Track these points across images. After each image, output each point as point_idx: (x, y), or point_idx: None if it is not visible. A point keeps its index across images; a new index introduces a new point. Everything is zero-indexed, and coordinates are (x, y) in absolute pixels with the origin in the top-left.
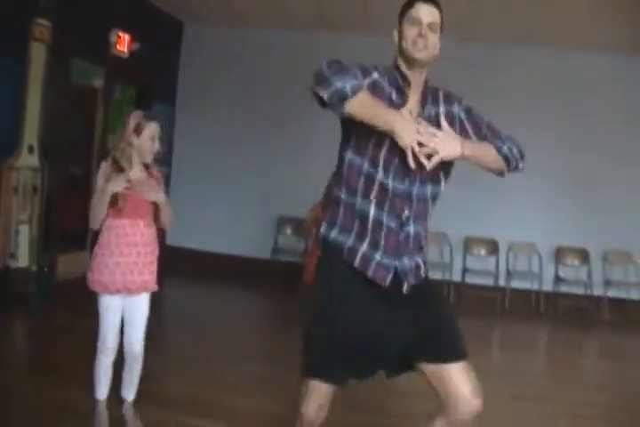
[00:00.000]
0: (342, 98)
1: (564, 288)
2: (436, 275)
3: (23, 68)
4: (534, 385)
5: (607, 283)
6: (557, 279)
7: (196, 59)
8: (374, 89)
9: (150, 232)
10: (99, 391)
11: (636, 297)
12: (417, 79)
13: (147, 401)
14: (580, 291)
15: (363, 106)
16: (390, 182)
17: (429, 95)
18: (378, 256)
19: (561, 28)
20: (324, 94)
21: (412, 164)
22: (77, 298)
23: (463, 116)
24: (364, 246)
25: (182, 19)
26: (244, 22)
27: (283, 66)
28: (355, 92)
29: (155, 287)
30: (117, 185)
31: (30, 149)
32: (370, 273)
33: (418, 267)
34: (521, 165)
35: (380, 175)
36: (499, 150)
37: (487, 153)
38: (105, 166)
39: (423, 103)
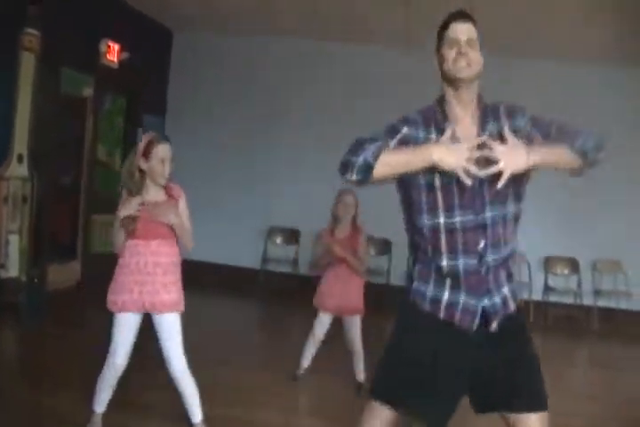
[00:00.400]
0: (368, 168)
1: (553, 298)
2: None
3: (13, 78)
4: None
5: (597, 292)
6: (547, 289)
7: (185, 68)
8: (404, 144)
9: (166, 252)
10: (97, 404)
11: (626, 307)
12: (465, 100)
13: (127, 410)
14: (569, 300)
15: (389, 163)
16: (458, 219)
17: (489, 113)
18: (462, 299)
19: (550, 38)
20: (352, 176)
21: (467, 181)
22: (67, 308)
23: (529, 127)
24: (446, 294)
25: (172, 28)
26: (233, 31)
27: (273, 74)
28: (377, 157)
29: (174, 308)
30: (128, 209)
31: (20, 159)
32: (457, 321)
33: (505, 301)
34: (600, 155)
35: (442, 219)
36: (572, 147)
37: (558, 154)
38: (124, 192)
39: (482, 122)
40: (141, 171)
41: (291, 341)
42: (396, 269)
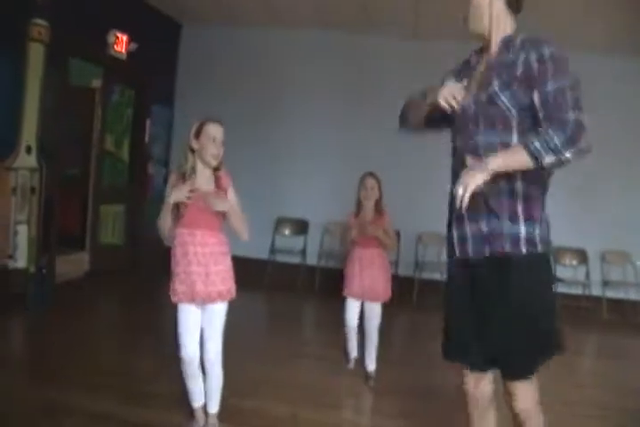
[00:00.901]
0: (401, 115)
1: (562, 289)
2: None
3: (21, 69)
4: None
5: (605, 283)
6: (555, 280)
7: (194, 59)
8: None
9: (213, 242)
10: (191, 400)
11: (635, 297)
12: (483, 49)
13: (149, 403)
14: (578, 291)
15: (409, 107)
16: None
17: (503, 47)
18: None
19: (552, 28)
20: (401, 126)
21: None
22: (75, 299)
23: (535, 64)
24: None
25: (180, 19)
26: (242, 22)
27: (282, 65)
28: (403, 106)
29: (223, 297)
30: (178, 195)
31: (28, 150)
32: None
33: (480, 233)
34: (562, 156)
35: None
36: (527, 148)
37: (517, 159)
38: (172, 176)
39: (497, 55)
40: (192, 151)
41: (299, 331)
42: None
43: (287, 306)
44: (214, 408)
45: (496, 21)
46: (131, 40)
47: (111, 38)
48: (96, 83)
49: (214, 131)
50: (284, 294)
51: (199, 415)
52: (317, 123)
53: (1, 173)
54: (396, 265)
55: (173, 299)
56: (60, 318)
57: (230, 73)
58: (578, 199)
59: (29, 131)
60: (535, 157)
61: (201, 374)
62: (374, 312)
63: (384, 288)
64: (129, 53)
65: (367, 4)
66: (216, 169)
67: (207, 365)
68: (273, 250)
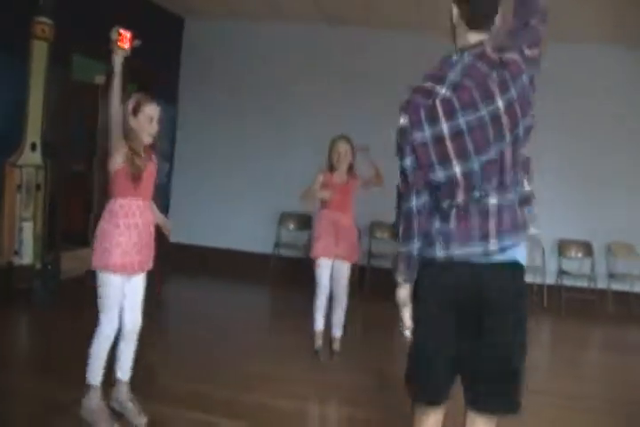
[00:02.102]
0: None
1: (567, 281)
2: None
3: (25, 66)
4: (537, 378)
5: (611, 276)
6: (561, 272)
7: (197, 54)
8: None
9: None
10: (94, 376)
11: None
12: None
13: (149, 397)
14: (583, 284)
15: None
16: None
17: None
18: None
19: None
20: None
21: None
22: (80, 295)
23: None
24: None
25: (182, 14)
26: (244, 17)
27: (286, 61)
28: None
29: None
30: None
31: (33, 147)
32: None
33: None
34: None
35: None
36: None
37: None
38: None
39: None
40: (129, 130)
41: (304, 325)
42: None
43: (291, 300)
44: (127, 376)
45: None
46: (134, 36)
47: (114, 35)
48: (99, 79)
49: (152, 111)
50: (288, 289)
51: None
52: (323, 117)
53: (6, 170)
54: None
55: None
56: (65, 314)
57: (234, 68)
58: (583, 192)
59: (34, 128)
60: None
61: None
62: (344, 272)
63: (352, 248)
64: (132, 50)
65: None
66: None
67: (126, 335)
68: (277, 244)
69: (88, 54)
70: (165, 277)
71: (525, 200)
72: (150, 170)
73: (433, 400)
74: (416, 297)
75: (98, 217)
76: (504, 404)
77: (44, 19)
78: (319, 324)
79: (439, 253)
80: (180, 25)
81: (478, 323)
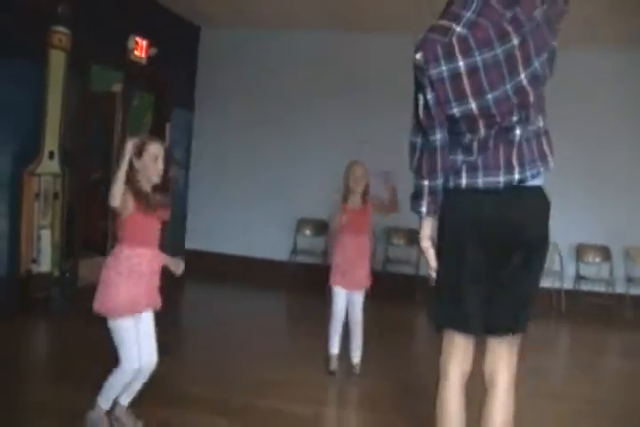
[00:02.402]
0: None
1: (585, 286)
2: None
3: (43, 75)
4: (554, 383)
5: (629, 280)
6: (578, 277)
7: (213, 62)
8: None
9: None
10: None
11: None
12: None
13: (170, 403)
14: (601, 289)
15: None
16: None
17: None
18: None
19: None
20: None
21: None
22: None
23: None
24: None
25: (199, 23)
26: (260, 25)
27: (301, 68)
28: None
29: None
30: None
31: (51, 155)
32: None
33: None
34: None
35: None
36: None
37: None
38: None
39: None
40: (133, 171)
41: (320, 331)
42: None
43: (307, 306)
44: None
45: None
46: (151, 45)
47: (131, 44)
48: (117, 87)
49: (156, 151)
50: (305, 295)
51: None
52: (340, 123)
53: (24, 178)
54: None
55: None
56: (82, 322)
57: (249, 76)
58: (600, 196)
59: (52, 137)
60: None
61: None
62: (359, 299)
63: (364, 276)
64: (149, 58)
65: (381, 6)
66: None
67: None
68: (294, 250)
69: (105, 63)
70: (182, 284)
71: (545, 133)
72: (159, 215)
73: (464, 327)
74: (441, 231)
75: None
76: (520, 325)
77: (61, 28)
78: (334, 348)
79: (464, 180)
80: (197, 33)
81: (507, 254)
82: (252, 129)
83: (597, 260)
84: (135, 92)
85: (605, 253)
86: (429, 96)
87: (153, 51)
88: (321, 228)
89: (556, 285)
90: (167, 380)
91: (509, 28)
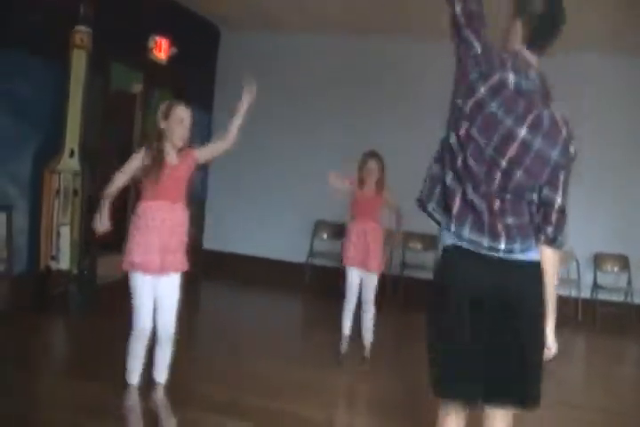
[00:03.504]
0: None
1: (602, 295)
2: None
3: (65, 75)
4: (569, 392)
5: None
6: (596, 286)
7: (232, 64)
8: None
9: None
10: (131, 376)
11: None
12: None
13: (184, 403)
14: (619, 298)
15: None
16: None
17: None
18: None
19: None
20: None
21: None
22: (115, 301)
23: None
24: None
25: (219, 24)
26: (280, 27)
27: (320, 70)
28: None
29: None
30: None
31: (71, 153)
32: None
33: None
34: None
35: None
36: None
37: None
38: (141, 154)
39: None
40: (160, 132)
41: (336, 335)
42: None
43: (324, 310)
44: (165, 378)
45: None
46: (171, 45)
47: (151, 43)
48: (137, 87)
49: (183, 113)
50: (322, 298)
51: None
52: (357, 125)
53: (45, 175)
54: None
55: None
56: (101, 320)
57: (269, 76)
58: (619, 205)
59: (72, 135)
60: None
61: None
62: (373, 282)
63: (379, 258)
64: (169, 58)
65: (401, 8)
66: (180, 149)
67: (161, 341)
68: (312, 253)
69: (126, 63)
70: (198, 284)
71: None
72: (181, 171)
73: (464, 395)
74: (439, 287)
75: None
76: (525, 396)
77: (82, 28)
78: (346, 329)
79: (458, 240)
80: (217, 35)
81: (503, 320)
82: (269, 131)
83: (615, 269)
84: (154, 91)
85: (624, 262)
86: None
87: (173, 51)
88: (338, 230)
89: (573, 293)
90: (179, 380)
91: (529, 118)
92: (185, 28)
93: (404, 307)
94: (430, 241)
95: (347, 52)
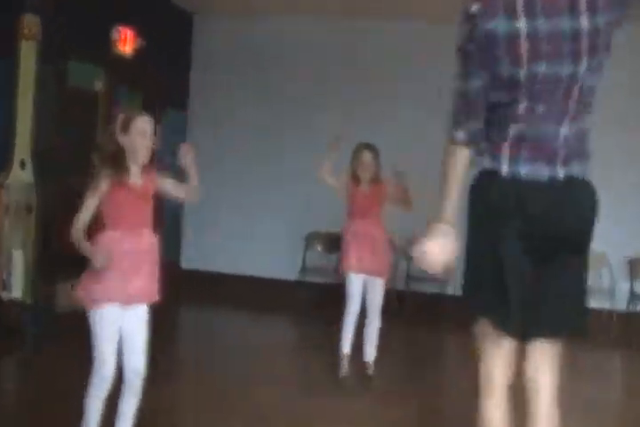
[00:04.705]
0: None
1: None
2: None
3: (12, 71)
4: (603, 417)
5: None
6: (632, 296)
7: (208, 56)
8: None
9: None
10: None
11: None
12: None
13: None
14: None
15: None
16: None
17: None
18: None
19: None
20: None
21: None
22: (80, 332)
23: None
24: None
25: (192, 10)
26: (258, 11)
27: (304, 58)
28: None
29: None
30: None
31: (22, 164)
32: None
33: None
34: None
35: None
36: None
37: None
38: (103, 180)
39: None
40: (120, 149)
41: (332, 360)
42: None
43: (320, 332)
44: None
45: None
46: (137, 36)
47: (115, 35)
48: (98, 85)
49: (144, 125)
50: (317, 319)
51: None
52: (348, 119)
53: None
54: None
55: None
56: (59, 356)
57: (249, 70)
58: None
59: (23, 143)
60: None
61: None
62: (378, 290)
63: (386, 262)
64: (135, 51)
65: None
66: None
67: (130, 382)
68: (304, 269)
69: (85, 58)
70: (178, 308)
71: (587, 132)
72: (146, 193)
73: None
74: (475, 215)
75: None
76: (571, 324)
77: (31, 16)
78: (346, 346)
79: (504, 167)
80: (189, 21)
81: (551, 252)
82: (252, 130)
83: None
84: (120, 89)
85: None
86: (471, 47)
87: (140, 43)
88: (333, 243)
89: (606, 305)
90: (162, 407)
91: (583, 8)
92: (153, 17)
93: (410, 323)
94: None
95: (334, 35)
